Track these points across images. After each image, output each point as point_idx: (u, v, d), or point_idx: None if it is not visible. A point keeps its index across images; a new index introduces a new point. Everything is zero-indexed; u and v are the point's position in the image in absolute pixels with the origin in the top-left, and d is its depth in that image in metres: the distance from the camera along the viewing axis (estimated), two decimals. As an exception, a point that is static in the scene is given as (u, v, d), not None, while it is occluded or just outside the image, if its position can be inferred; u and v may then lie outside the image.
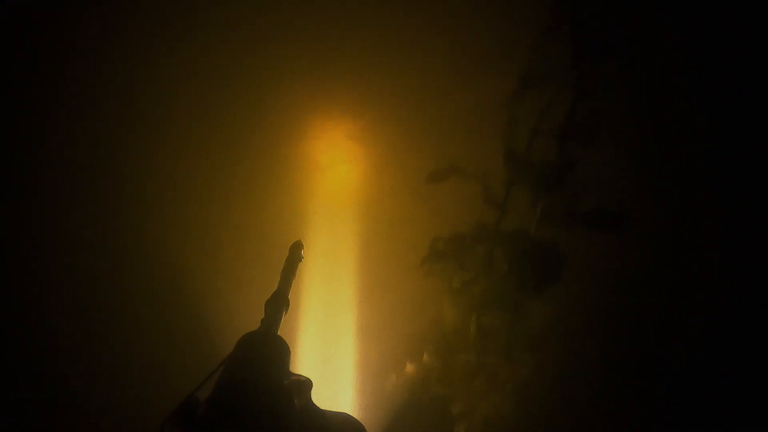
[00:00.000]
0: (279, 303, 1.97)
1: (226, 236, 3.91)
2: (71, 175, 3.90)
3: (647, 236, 3.87)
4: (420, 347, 3.80)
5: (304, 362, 3.64)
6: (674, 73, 3.92)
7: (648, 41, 3.81)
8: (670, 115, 3.94)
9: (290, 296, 2.04)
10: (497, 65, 3.97)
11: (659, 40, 3.84)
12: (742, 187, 3.82)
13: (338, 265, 3.90)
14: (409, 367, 3.80)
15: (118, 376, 3.62)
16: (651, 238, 3.87)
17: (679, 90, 3.91)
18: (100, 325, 3.71)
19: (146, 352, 3.68)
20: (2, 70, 3.88)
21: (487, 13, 4.00)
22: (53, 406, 3.57)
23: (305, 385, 1.63)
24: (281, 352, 1.73)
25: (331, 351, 3.79)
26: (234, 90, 4.01)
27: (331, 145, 4.06)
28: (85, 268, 3.79)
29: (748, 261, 3.75)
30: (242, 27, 4.03)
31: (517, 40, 3.97)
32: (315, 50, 4.02)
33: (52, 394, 3.58)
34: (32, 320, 3.68)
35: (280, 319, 1.93)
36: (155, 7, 3.97)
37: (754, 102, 3.79)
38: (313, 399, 1.66)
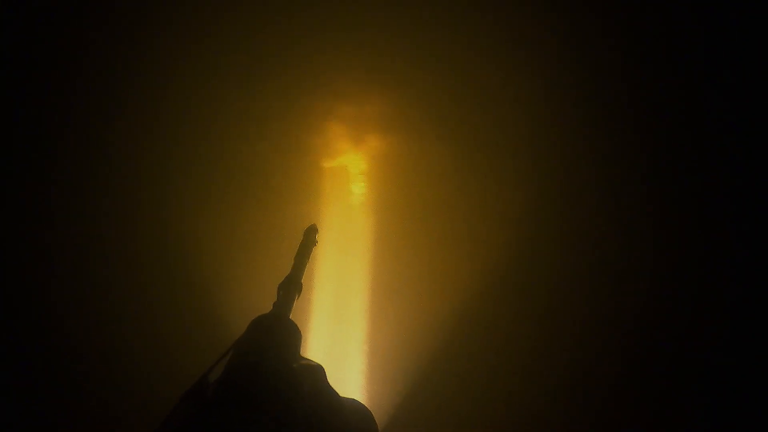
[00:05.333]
0: (291, 287, 1.96)
1: (240, 219, 3.92)
2: (86, 162, 3.91)
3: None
4: (432, 334, 3.80)
5: (315, 346, 3.65)
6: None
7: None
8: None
9: (303, 280, 2.04)
10: (513, 59, 3.94)
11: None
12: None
13: (352, 251, 3.90)
14: (420, 354, 3.80)
15: (132, 360, 3.65)
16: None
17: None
18: (113, 308, 3.74)
19: (159, 334, 3.70)
20: (16, 72, 3.89)
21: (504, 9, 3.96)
22: (67, 390, 3.61)
23: (315, 369, 1.63)
24: (292, 335, 1.72)
25: (342, 336, 3.80)
26: (251, 76, 4.00)
27: (347, 131, 4.05)
28: (98, 252, 3.81)
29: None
30: (257, 26, 4.00)
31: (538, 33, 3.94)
32: (332, 39, 3.99)
33: (65, 378, 3.63)
34: (47, 305, 3.72)
35: (292, 303, 1.92)
36: (167, 11, 3.95)
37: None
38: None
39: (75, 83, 3.96)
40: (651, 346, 3.74)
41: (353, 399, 1.72)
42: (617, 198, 3.90)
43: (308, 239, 2.20)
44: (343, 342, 3.79)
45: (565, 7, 3.89)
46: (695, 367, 3.69)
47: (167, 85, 3.96)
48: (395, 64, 4.01)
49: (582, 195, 3.91)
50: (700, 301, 3.76)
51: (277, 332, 1.69)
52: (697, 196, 3.85)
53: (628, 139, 3.92)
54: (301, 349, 1.75)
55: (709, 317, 3.73)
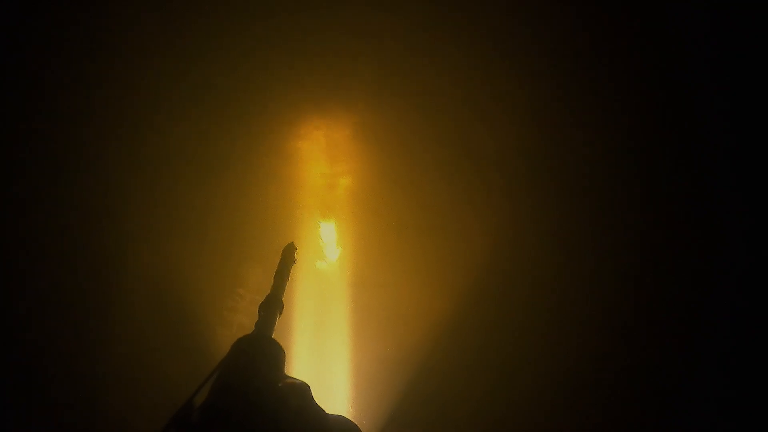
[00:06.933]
0: (273, 306, 1.96)
1: (218, 240, 3.89)
2: (60, 180, 3.85)
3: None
4: (414, 347, 3.80)
5: (299, 365, 3.63)
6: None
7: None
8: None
9: (284, 299, 2.04)
10: (492, 68, 3.95)
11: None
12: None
13: (332, 267, 3.90)
14: (405, 367, 3.80)
15: (113, 384, 3.60)
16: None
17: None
18: (92, 332, 3.68)
19: (140, 359, 3.66)
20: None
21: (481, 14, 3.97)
22: (50, 419, 3.54)
23: (301, 388, 1.63)
24: (276, 355, 1.72)
25: (326, 353, 3.78)
26: (228, 95, 3.98)
27: (324, 148, 4.04)
28: (77, 273, 3.76)
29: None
30: (237, 32, 3.98)
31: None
32: (309, 52, 3.98)
33: (48, 406, 3.56)
34: (27, 326, 3.65)
35: (275, 322, 1.92)
36: (146, 13, 3.90)
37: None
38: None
39: (45, 84, 3.86)
40: (631, 351, 3.78)
41: (340, 415, 1.72)
42: (602, 209, 3.92)
43: (287, 258, 2.19)
44: (327, 359, 3.78)
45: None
46: (676, 381, 3.73)
47: (145, 112, 3.92)
48: (388, 69, 3.99)
49: (566, 206, 3.93)
50: (683, 321, 3.80)
51: (261, 352, 1.69)
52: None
53: (614, 153, 3.95)
54: (286, 367, 1.74)
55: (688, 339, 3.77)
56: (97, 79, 3.89)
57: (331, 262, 3.93)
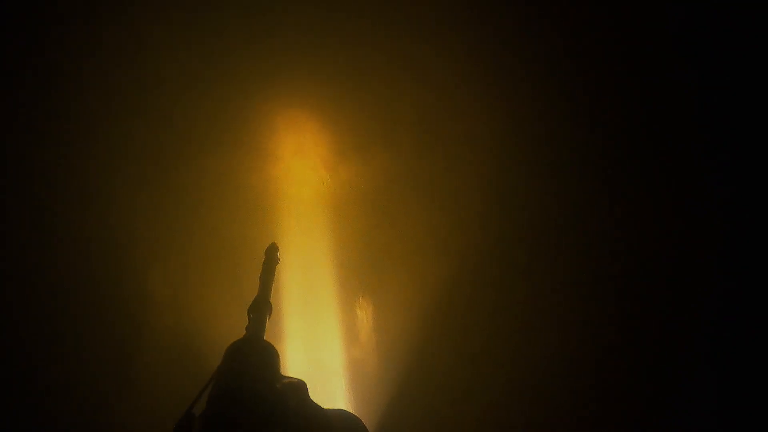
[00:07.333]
0: (261, 308, 1.96)
1: (199, 245, 3.85)
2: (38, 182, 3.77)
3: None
4: (409, 337, 3.81)
5: (293, 364, 3.63)
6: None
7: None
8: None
9: (272, 299, 2.04)
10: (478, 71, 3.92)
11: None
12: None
13: (317, 263, 3.88)
14: (399, 358, 3.81)
15: (106, 400, 3.57)
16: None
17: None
18: (80, 347, 3.63)
19: (132, 374, 3.63)
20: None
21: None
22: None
23: (299, 386, 1.64)
24: (270, 357, 1.72)
25: (320, 350, 3.78)
26: (208, 93, 3.87)
27: (305, 147, 4.01)
28: (58, 283, 3.69)
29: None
30: (216, 31, 3.88)
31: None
32: (292, 50, 3.90)
33: (42, 418, 3.52)
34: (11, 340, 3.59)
35: (265, 324, 1.92)
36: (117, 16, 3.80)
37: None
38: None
39: (23, 84, 3.76)
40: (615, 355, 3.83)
41: (341, 409, 1.74)
42: (585, 222, 3.92)
43: (270, 258, 2.20)
44: (321, 355, 3.78)
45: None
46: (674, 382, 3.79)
47: (121, 94, 3.81)
48: (371, 68, 3.92)
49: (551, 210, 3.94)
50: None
51: (255, 356, 1.69)
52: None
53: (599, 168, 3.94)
54: (281, 368, 1.75)
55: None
56: (73, 80, 3.78)
57: (317, 258, 3.90)
